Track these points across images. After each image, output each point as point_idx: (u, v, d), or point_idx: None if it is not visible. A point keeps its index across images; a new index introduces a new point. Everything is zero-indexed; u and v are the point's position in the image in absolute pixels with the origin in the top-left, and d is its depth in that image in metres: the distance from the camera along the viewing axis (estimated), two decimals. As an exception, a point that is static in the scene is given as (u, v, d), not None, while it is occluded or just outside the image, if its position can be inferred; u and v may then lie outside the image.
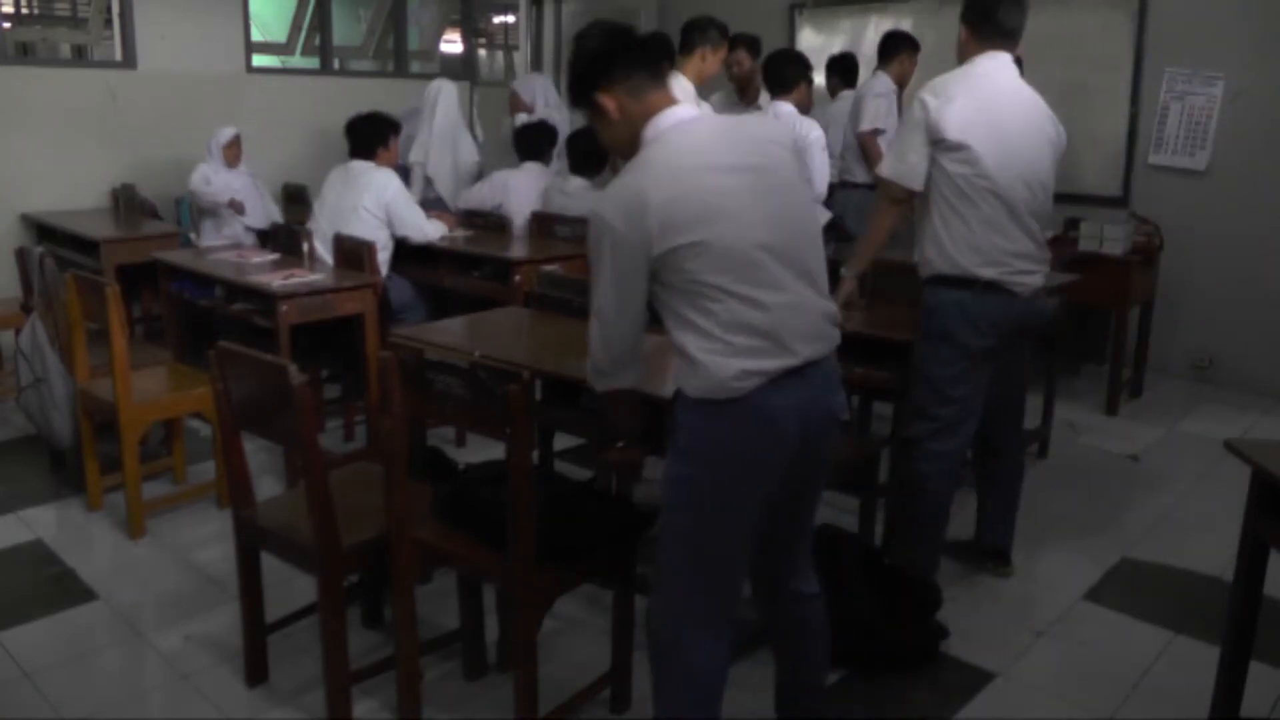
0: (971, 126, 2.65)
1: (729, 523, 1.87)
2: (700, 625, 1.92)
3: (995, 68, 2.76)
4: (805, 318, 1.82)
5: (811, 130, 4.22)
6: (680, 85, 3.82)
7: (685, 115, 1.84)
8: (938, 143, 2.68)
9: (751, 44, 5.04)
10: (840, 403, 1.95)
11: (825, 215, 4.51)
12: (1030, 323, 2.86)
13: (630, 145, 1.86)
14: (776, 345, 1.77)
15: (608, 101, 1.84)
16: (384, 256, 4.30)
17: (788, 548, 2.08)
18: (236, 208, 5.33)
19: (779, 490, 1.90)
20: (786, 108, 4.26)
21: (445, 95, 5.73)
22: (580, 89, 1.88)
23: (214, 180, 5.35)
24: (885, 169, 2.81)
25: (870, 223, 2.97)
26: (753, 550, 1.98)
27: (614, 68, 1.83)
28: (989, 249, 2.69)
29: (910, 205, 2.83)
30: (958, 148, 2.65)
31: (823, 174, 4.24)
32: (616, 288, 1.80)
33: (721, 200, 1.75)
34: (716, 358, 1.75)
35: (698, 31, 3.92)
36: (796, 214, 1.86)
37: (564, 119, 6.08)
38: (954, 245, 2.71)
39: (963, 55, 2.82)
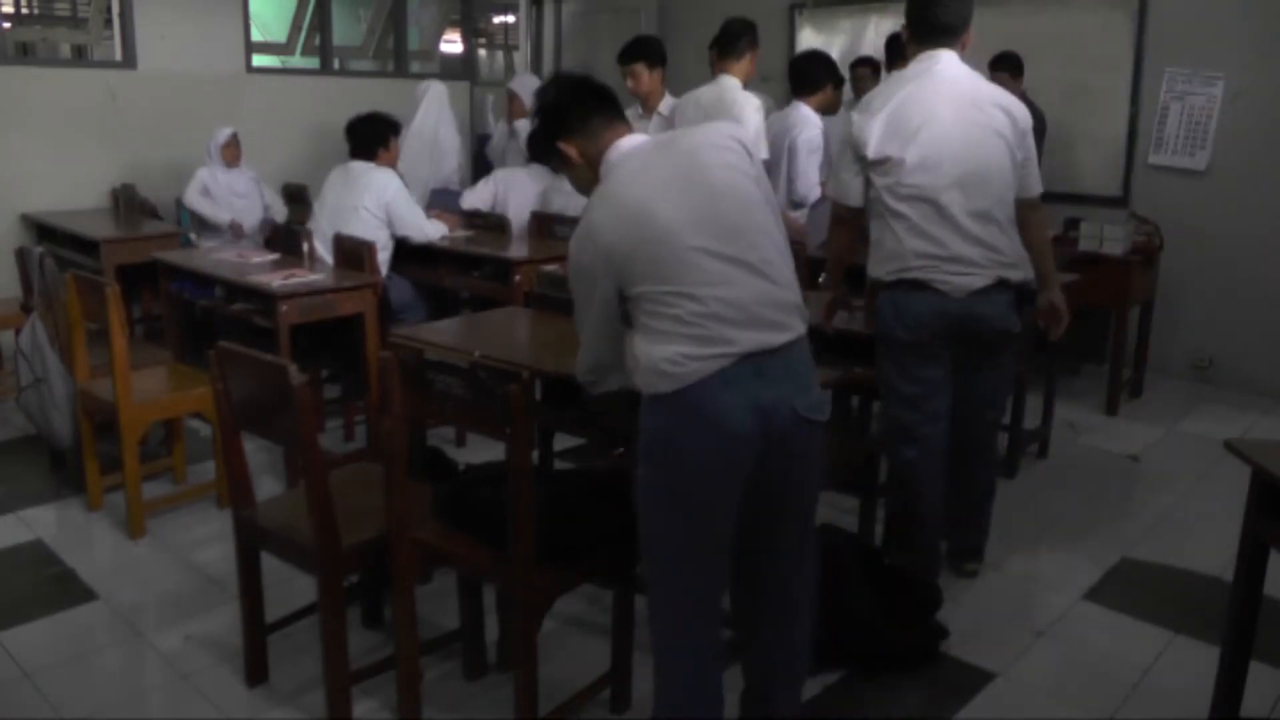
0: (891, 137, 2.67)
1: (690, 525, 1.89)
2: (682, 627, 1.97)
3: (924, 69, 2.72)
4: (746, 308, 1.85)
5: (803, 133, 4.22)
6: (732, 85, 3.88)
7: (628, 146, 1.97)
8: (862, 159, 2.71)
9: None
10: (812, 402, 1.92)
11: None
12: (974, 326, 2.74)
13: (594, 183, 2.00)
14: (708, 333, 1.82)
15: (569, 149, 2.01)
16: (384, 256, 4.30)
17: (770, 557, 2.04)
18: (236, 230, 5.30)
19: (750, 494, 1.90)
20: (804, 110, 4.26)
21: (429, 98, 5.74)
22: (544, 142, 2.06)
23: (214, 186, 5.33)
24: (828, 189, 2.85)
25: (828, 243, 3.05)
26: (734, 556, 1.97)
27: (570, 118, 2.00)
28: (910, 254, 2.69)
29: (860, 221, 2.85)
30: (880, 161, 2.68)
31: (806, 177, 4.23)
32: (589, 310, 1.98)
33: (656, 215, 1.85)
34: (652, 347, 1.85)
35: (746, 36, 4.01)
36: (732, 211, 1.89)
37: None
38: (880, 254, 2.76)
39: (909, 56, 2.82)
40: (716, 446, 1.83)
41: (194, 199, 5.32)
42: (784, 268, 1.94)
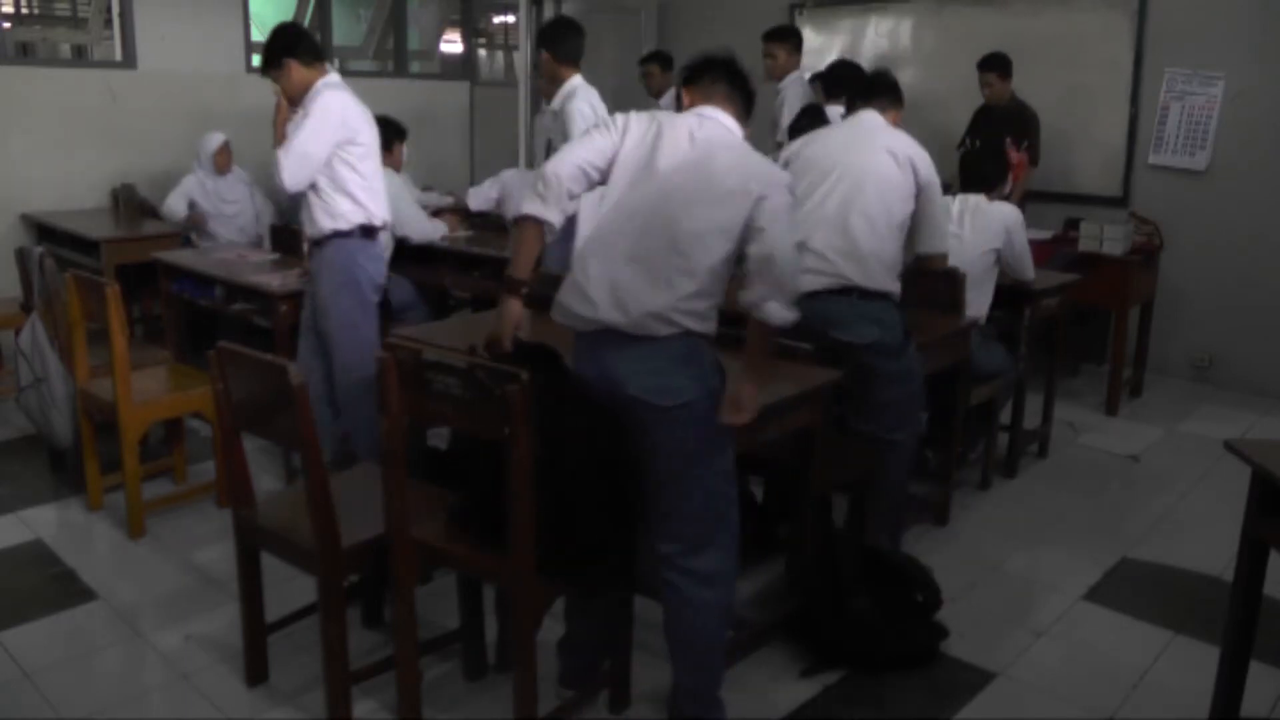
0: (790, 159, 3.01)
1: None
2: None
3: (847, 121, 3.04)
4: (614, 292, 2.07)
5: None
6: None
7: (706, 112, 2.22)
8: None
9: (665, 61, 5.60)
10: (655, 386, 2.05)
11: None
12: (818, 332, 2.73)
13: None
14: (581, 290, 2.10)
15: (686, 94, 2.30)
16: (384, 256, 4.29)
17: (658, 507, 2.17)
18: (198, 221, 5.24)
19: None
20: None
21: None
22: (679, 80, 2.36)
23: (203, 194, 5.27)
24: None
25: None
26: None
27: (698, 81, 2.27)
28: None
29: None
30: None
31: None
32: (588, 142, 2.20)
33: (657, 164, 2.12)
34: (564, 285, 2.18)
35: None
36: (688, 220, 2.06)
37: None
38: None
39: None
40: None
41: (176, 205, 5.23)
42: (684, 283, 2.05)
